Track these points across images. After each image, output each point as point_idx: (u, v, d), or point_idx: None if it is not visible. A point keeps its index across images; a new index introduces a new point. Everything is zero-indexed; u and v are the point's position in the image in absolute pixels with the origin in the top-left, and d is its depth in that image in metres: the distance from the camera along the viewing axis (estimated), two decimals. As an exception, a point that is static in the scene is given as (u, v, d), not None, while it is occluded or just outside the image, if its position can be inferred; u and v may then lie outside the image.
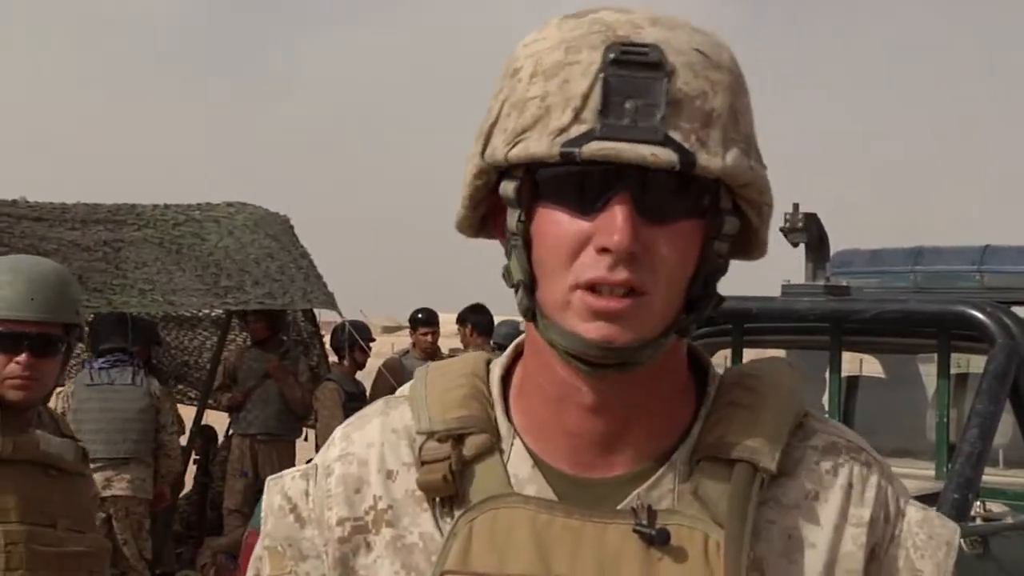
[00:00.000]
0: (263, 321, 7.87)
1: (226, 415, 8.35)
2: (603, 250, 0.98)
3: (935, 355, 4.56)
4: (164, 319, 9.37)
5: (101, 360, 6.67)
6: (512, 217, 1.04)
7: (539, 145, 0.99)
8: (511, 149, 1.01)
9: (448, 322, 8.65)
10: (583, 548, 1.03)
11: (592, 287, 0.99)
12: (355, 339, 7.72)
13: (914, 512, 1.10)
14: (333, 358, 8.31)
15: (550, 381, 1.07)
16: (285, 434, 7.97)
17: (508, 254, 1.06)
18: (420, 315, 8.28)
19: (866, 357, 6.12)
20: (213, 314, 9.07)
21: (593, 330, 0.99)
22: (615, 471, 1.06)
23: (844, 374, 5.03)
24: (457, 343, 8.87)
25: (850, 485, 1.08)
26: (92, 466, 6.30)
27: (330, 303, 7.94)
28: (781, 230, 4.62)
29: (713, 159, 0.99)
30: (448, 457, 1.07)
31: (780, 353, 6.08)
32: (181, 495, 8.33)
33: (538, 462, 1.07)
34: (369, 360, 8.10)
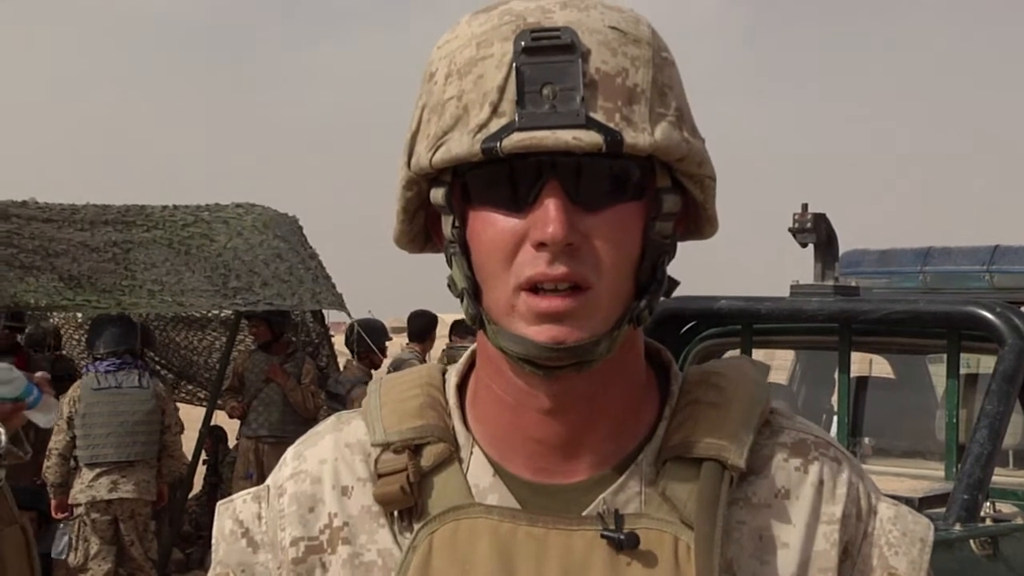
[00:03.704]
0: (264, 324, 7.84)
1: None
2: (540, 245, 0.95)
3: (944, 355, 4.54)
4: (173, 320, 9.39)
5: (106, 363, 6.64)
6: (446, 224, 1.01)
7: (460, 145, 0.96)
8: (434, 154, 0.98)
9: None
10: (548, 557, 1.00)
11: (534, 286, 0.95)
12: (365, 343, 7.72)
13: (886, 509, 1.07)
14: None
15: (505, 387, 1.03)
16: (291, 436, 7.93)
17: (449, 262, 1.03)
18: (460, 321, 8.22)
19: (875, 357, 6.10)
20: (222, 315, 9.09)
21: (542, 332, 0.95)
22: (578, 476, 1.03)
23: (853, 375, 5.01)
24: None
25: (821, 482, 1.05)
26: (99, 469, 6.41)
27: (338, 304, 7.95)
28: (790, 230, 4.60)
29: (641, 136, 0.95)
30: (405, 468, 1.04)
31: (790, 354, 6.08)
32: (191, 496, 8.35)
33: (499, 470, 1.04)
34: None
